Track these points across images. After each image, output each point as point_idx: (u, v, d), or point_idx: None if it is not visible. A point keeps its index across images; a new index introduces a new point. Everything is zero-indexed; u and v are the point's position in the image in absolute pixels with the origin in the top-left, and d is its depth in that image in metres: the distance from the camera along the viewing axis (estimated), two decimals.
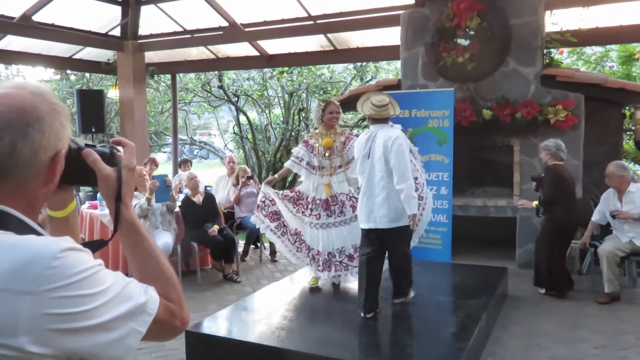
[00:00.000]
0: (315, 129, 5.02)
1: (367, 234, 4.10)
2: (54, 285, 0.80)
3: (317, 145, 4.83)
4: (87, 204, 6.62)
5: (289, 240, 4.96)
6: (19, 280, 0.79)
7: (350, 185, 4.83)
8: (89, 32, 8.57)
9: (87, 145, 1.03)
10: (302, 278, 5.31)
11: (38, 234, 0.90)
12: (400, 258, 4.16)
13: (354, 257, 4.72)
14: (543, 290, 5.25)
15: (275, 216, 4.96)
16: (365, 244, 4.11)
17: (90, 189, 7.00)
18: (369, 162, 4.04)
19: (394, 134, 3.99)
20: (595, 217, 5.31)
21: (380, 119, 4.07)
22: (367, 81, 11.93)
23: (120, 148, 1.10)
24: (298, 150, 4.94)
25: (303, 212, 4.91)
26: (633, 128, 5.98)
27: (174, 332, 1.02)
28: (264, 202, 4.95)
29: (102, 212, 5.98)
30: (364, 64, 11.70)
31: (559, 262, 5.09)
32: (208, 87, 13.24)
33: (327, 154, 4.79)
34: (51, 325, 0.80)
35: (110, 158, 1.05)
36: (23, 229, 0.89)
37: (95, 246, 1.01)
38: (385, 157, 3.94)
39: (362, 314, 3.99)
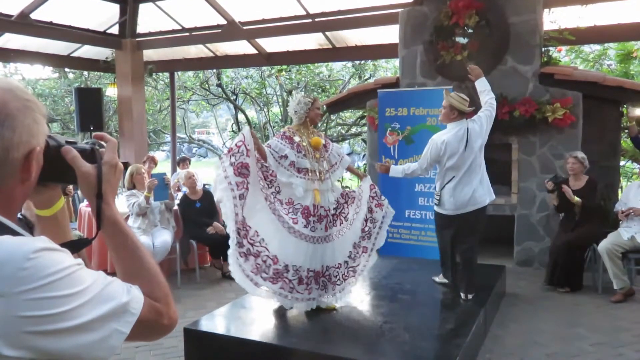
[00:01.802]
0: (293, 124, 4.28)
1: (453, 218, 4.44)
2: (28, 287, 0.78)
3: (304, 144, 4.07)
4: (85, 201, 6.62)
5: (242, 218, 3.71)
6: None
7: (331, 197, 4.19)
8: (87, 30, 8.57)
9: (67, 143, 1.01)
10: None
11: (15, 233, 0.88)
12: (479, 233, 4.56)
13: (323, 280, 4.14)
14: (565, 289, 5.28)
15: (244, 170, 3.73)
16: (449, 228, 4.50)
17: None
18: (467, 154, 4.34)
19: (475, 123, 4.45)
20: (617, 208, 5.35)
21: (465, 113, 4.42)
22: (366, 79, 11.94)
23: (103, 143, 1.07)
24: (281, 147, 3.98)
25: (272, 202, 3.92)
26: (628, 126, 5.98)
27: (161, 331, 1.00)
28: (239, 147, 3.75)
29: None
30: (363, 62, 11.71)
31: (582, 262, 5.26)
32: (206, 85, 13.24)
33: (317, 155, 4.13)
34: (26, 327, 0.78)
35: (90, 155, 1.02)
36: None
37: (76, 246, 0.99)
38: (482, 144, 4.43)
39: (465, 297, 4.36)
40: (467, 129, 4.35)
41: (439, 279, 4.81)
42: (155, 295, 0.98)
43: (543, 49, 6.21)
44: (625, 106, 6.88)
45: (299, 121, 4.19)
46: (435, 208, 4.60)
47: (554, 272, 5.31)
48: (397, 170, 4.64)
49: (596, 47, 9.97)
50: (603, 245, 5.03)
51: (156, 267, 1.04)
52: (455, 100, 4.37)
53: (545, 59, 6.23)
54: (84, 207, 6.39)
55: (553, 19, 6.18)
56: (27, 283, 0.78)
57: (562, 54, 8.86)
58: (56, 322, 0.80)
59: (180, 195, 6.46)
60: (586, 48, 10.04)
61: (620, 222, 5.18)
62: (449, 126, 4.42)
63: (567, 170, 5.44)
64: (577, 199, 5.22)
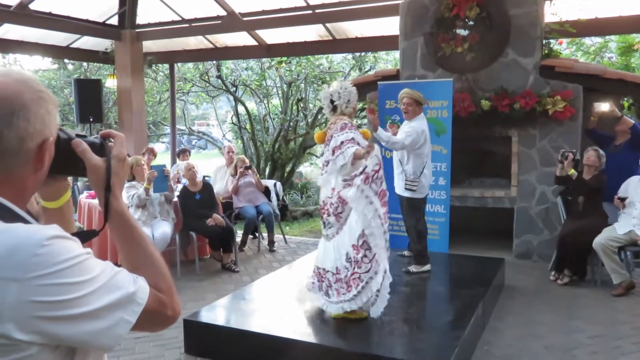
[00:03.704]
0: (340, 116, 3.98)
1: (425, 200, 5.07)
2: (40, 273, 0.80)
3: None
4: (85, 193, 6.62)
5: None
6: (4, 268, 0.79)
7: None
8: (87, 20, 8.53)
9: (77, 136, 1.03)
10: (300, 268, 5.33)
11: (26, 222, 0.90)
12: None
13: None
14: (564, 280, 5.30)
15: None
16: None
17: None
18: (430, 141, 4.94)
19: None
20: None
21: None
22: (366, 71, 11.89)
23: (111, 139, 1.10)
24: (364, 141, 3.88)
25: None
26: (591, 120, 5.95)
27: (164, 322, 1.02)
28: (377, 171, 3.56)
29: None
30: (363, 54, 11.66)
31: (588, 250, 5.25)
32: (206, 77, 13.18)
33: None
34: (37, 312, 0.80)
35: (100, 148, 1.04)
36: (11, 217, 0.89)
37: (85, 236, 1.01)
38: None
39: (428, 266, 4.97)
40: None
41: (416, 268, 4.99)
42: (160, 287, 1.01)
43: (544, 42, 6.19)
44: (626, 99, 6.86)
45: (349, 112, 3.98)
46: (413, 195, 4.88)
47: (562, 259, 5.32)
48: (383, 134, 4.72)
49: (597, 40, 9.93)
50: (597, 242, 5.03)
51: (161, 259, 1.07)
52: (418, 95, 4.82)
53: (546, 52, 6.21)
54: (84, 198, 6.40)
55: (554, 11, 6.14)
56: (40, 269, 0.80)
57: (563, 47, 8.83)
58: (66, 309, 0.82)
59: (180, 187, 6.47)
60: (587, 40, 9.99)
61: (619, 211, 5.19)
62: (418, 118, 4.84)
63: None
64: (572, 170, 5.30)
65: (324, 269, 3.87)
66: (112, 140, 1.09)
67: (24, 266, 0.80)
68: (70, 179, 1.16)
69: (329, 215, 3.85)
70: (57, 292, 0.81)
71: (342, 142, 3.73)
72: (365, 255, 3.55)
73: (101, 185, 1.03)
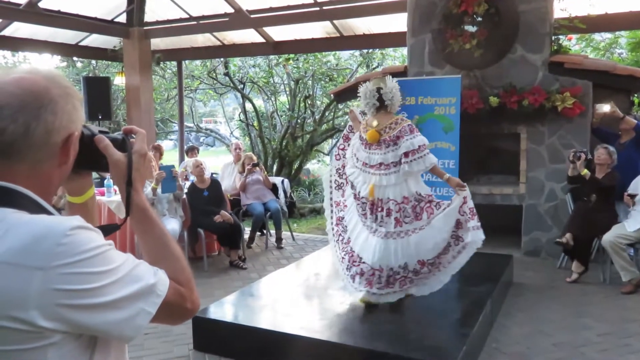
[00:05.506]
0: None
1: None
2: (64, 262, 0.83)
3: None
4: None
5: None
6: (30, 256, 0.82)
7: None
8: (95, 18, 8.57)
9: (100, 132, 1.06)
10: (308, 265, 5.34)
11: (50, 214, 0.93)
12: None
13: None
14: (572, 278, 5.27)
15: None
16: None
17: (97, 175, 7.06)
18: None
19: None
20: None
21: None
22: (374, 68, 11.87)
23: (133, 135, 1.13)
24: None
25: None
26: (594, 120, 5.89)
27: (184, 314, 1.05)
28: None
29: (110, 198, 6.01)
30: (370, 50, 11.64)
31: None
32: (214, 74, 13.22)
33: None
34: (60, 300, 0.82)
35: (121, 144, 1.08)
36: (36, 208, 0.91)
37: (107, 230, 1.03)
38: None
39: None
40: None
41: None
42: (179, 280, 1.03)
43: (553, 37, 6.14)
44: (636, 95, 6.79)
45: (395, 109, 3.93)
46: None
47: (573, 247, 5.28)
48: None
49: (607, 36, 9.85)
50: (606, 239, 4.98)
51: (180, 253, 1.09)
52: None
53: (555, 48, 6.16)
54: None
55: (563, 7, 6.10)
56: (63, 258, 0.83)
57: (572, 42, 8.78)
58: (88, 297, 0.85)
59: (188, 184, 6.49)
60: (597, 36, 9.92)
61: (629, 209, 5.16)
62: None
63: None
64: (586, 170, 5.22)
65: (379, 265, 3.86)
66: (134, 136, 1.11)
67: (49, 255, 0.82)
68: None
69: (389, 213, 3.82)
70: (79, 280, 0.84)
71: (419, 147, 3.74)
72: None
73: (123, 180, 1.06)
